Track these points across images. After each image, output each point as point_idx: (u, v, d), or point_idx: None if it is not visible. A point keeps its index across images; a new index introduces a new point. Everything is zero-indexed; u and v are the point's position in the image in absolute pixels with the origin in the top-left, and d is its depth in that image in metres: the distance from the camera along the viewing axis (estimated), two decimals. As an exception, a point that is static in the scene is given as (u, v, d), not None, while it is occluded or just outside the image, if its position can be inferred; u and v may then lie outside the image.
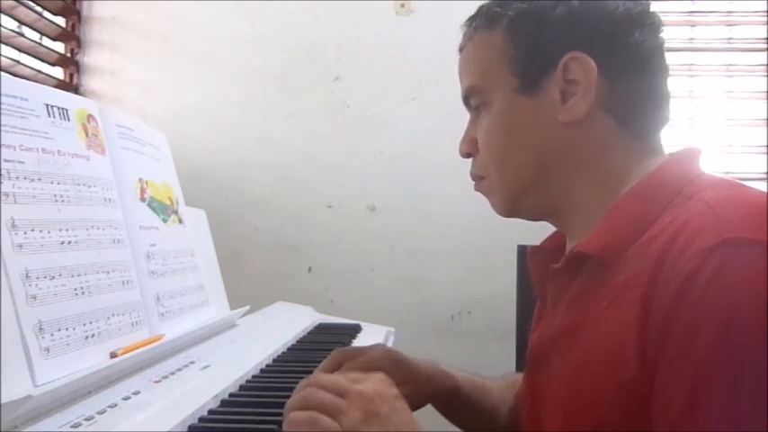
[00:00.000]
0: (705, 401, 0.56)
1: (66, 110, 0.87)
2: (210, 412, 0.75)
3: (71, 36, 2.08)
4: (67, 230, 0.80)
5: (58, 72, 2.07)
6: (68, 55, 2.08)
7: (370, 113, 2.08)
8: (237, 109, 2.10)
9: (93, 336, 0.80)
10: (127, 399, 0.73)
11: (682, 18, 2.11)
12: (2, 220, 0.71)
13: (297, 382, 0.68)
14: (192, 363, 0.90)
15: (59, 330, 0.74)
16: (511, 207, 0.80)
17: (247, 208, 2.09)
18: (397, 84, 2.08)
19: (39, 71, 1.91)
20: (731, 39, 2.11)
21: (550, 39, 0.74)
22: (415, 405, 0.88)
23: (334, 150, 2.08)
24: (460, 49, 0.83)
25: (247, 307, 1.24)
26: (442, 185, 2.03)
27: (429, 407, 0.92)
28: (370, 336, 1.25)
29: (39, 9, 1.94)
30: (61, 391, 0.68)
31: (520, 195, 0.78)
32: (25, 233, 0.74)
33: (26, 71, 1.85)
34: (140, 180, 1.02)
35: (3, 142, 0.74)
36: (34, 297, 0.72)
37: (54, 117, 0.84)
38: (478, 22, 0.79)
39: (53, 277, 0.75)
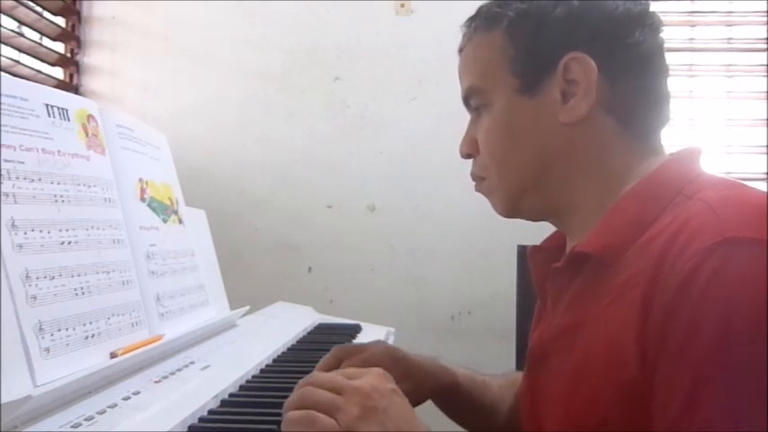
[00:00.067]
0: (705, 400, 0.56)
1: (66, 110, 0.87)
2: (210, 412, 0.75)
3: (71, 36, 2.08)
4: (67, 230, 0.80)
5: (58, 72, 2.07)
6: (68, 55, 2.08)
7: (370, 113, 2.08)
8: (237, 109, 2.10)
9: (93, 336, 0.80)
10: (127, 399, 0.73)
11: (682, 18, 2.11)
12: (2, 220, 0.71)
13: (297, 383, 0.68)
14: (192, 363, 0.90)
15: (59, 330, 0.74)
16: (511, 207, 0.80)
17: (247, 208, 2.09)
18: (397, 84, 2.08)
19: (39, 71, 1.91)
20: (731, 39, 2.11)
21: (550, 39, 0.74)
22: (415, 401, 0.88)
23: (334, 150, 2.08)
24: (460, 50, 0.83)
25: (247, 307, 1.24)
26: (442, 185, 2.03)
27: (429, 403, 0.92)
28: (370, 336, 1.24)
29: (39, 9, 1.94)
30: (61, 391, 0.68)
31: (520, 195, 0.78)
32: (25, 233, 0.74)
33: (26, 71, 1.85)
34: (140, 180, 1.02)
35: (3, 142, 0.74)
36: (34, 297, 0.72)
37: (54, 117, 0.84)
38: (478, 23, 0.79)
39: (53, 277, 0.75)
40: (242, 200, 2.09)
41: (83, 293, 0.80)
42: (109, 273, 0.85)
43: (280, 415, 0.66)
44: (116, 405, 0.71)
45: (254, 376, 0.91)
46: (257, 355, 0.99)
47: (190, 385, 0.81)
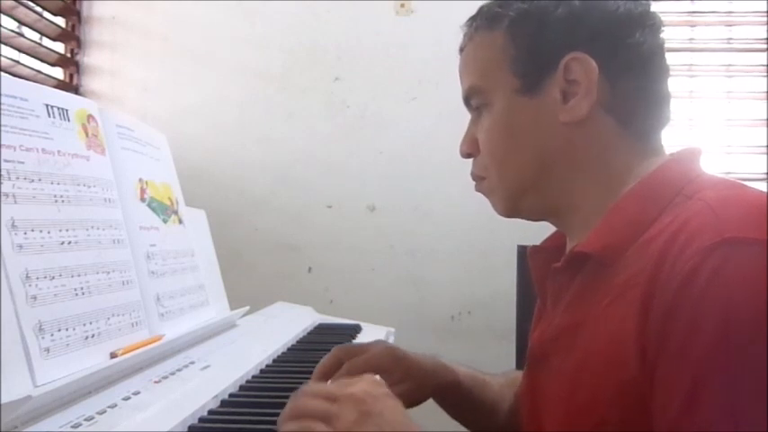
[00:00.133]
0: (705, 400, 0.56)
1: (66, 110, 0.87)
2: (210, 412, 0.75)
3: (71, 36, 2.08)
4: (67, 231, 0.80)
5: (58, 72, 2.07)
6: (68, 55, 2.08)
7: (370, 113, 2.08)
8: (237, 109, 2.10)
9: (93, 336, 0.80)
10: (127, 399, 0.73)
11: (682, 18, 2.11)
12: (2, 221, 0.71)
13: (297, 383, 0.68)
14: (192, 363, 0.90)
15: (59, 330, 0.74)
16: (511, 207, 0.80)
17: (247, 208, 2.09)
18: (397, 84, 2.08)
19: (39, 71, 1.91)
20: (731, 39, 2.11)
21: (551, 39, 0.74)
22: (417, 400, 0.89)
23: (334, 150, 2.08)
24: (461, 50, 0.83)
25: (247, 307, 1.24)
26: (442, 185, 2.03)
27: (428, 402, 0.93)
28: (370, 336, 1.24)
29: (39, 9, 1.94)
30: (61, 391, 0.68)
31: (520, 195, 0.78)
32: (25, 233, 0.74)
33: (26, 71, 1.85)
34: (140, 180, 1.02)
35: (3, 142, 0.74)
36: (34, 297, 0.72)
37: (54, 117, 0.84)
38: (479, 23, 0.79)
39: (53, 277, 0.75)
40: (242, 200, 2.09)
41: (83, 293, 0.80)
42: (109, 273, 0.86)
43: (280, 415, 0.66)
44: (116, 405, 0.71)
45: (254, 376, 0.92)
46: (257, 355, 0.99)
47: (190, 385, 0.81)
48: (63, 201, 0.81)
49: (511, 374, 1.02)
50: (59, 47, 2.06)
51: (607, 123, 0.74)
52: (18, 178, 0.75)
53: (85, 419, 0.66)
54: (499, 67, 0.76)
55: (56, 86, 1.88)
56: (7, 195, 0.73)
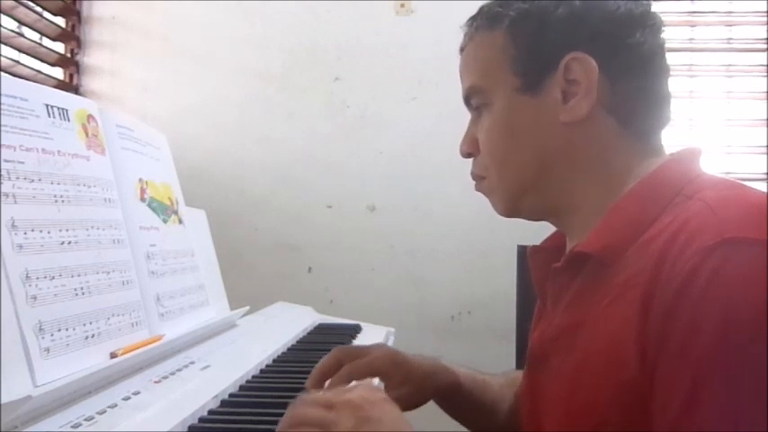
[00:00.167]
0: (705, 400, 0.56)
1: (66, 110, 0.87)
2: (210, 412, 0.75)
3: (71, 36, 2.08)
4: (67, 231, 0.80)
5: (58, 72, 2.07)
6: (68, 55, 2.08)
7: (370, 113, 2.08)
8: (237, 109, 2.10)
9: (93, 336, 0.80)
10: (127, 399, 0.73)
11: (682, 18, 2.11)
12: (2, 221, 0.71)
13: (297, 383, 0.68)
14: (192, 363, 0.90)
15: (59, 330, 0.74)
16: (511, 207, 0.80)
17: (247, 208, 2.09)
18: (397, 84, 2.08)
19: (39, 71, 1.91)
20: (731, 39, 2.11)
21: (552, 39, 0.74)
22: (417, 403, 0.89)
23: (334, 150, 2.08)
24: (461, 50, 0.83)
25: (247, 307, 1.24)
26: (442, 185, 2.03)
27: (429, 403, 0.93)
28: (370, 336, 1.25)
29: (39, 9, 1.94)
30: (61, 391, 0.68)
31: (520, 195, 0.78)
32: (25, 233, 0.73)
33: (26, 71, 1.85)
34: (140, 180, 1.02)
35: (3, 142, 0.74)
36: (34, 297, 0.72)
37: (54, 117, 0.84)
38: (480, 22, 0.79)
39: (53, 277, 0.75)
40: (242, 200, 2.09)
41: (83, 293, 0.80)
42: (109, 273, 0.86)
43: (280, 415, 0.66)
44: (116, 405, 0.71)
45: (254, 376, 0.91)
46: (257, 355, 0.99)
47: (190, 385, 0.81)
48: (63, 201, 0.81)
49: (511, 374, 1.02)
50: (59, 47, 2.06)
51: (607, 123, 0.74)
52: (18, 178, 0.75)
53: (85, 419, 0.66)
54: (499, 66, 0.76)
55: (56, 86, 1.88)
56: (7, 195, 0.73)
